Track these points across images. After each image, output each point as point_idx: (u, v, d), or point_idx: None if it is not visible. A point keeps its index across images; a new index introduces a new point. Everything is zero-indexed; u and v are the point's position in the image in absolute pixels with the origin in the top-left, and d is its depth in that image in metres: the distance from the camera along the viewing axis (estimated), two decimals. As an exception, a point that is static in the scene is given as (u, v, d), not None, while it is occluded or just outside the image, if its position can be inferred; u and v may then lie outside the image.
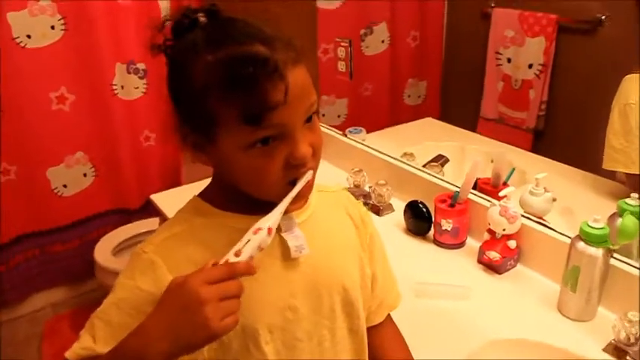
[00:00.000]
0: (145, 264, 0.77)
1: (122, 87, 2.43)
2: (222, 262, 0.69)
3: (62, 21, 2.27)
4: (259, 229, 0.71)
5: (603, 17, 1.84)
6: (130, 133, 2.53)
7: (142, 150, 2.58)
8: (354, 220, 0.93)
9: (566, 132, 2.06)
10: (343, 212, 0.92)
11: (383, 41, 2.47)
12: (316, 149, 0.75)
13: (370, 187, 1.63)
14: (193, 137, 0.75)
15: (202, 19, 0.73)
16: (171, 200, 1.72)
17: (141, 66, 2.45)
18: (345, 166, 1.71)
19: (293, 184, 0.74)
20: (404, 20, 2.49)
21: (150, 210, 2.60)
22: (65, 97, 2.36)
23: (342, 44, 1.88)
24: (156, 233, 0.82)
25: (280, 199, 0.74)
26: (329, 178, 1.77)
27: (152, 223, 2.44)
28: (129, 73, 2.42)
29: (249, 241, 0.70)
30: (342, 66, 1.87)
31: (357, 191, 1.63)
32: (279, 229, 0.78)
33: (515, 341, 1.15)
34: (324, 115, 2.22)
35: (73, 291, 2.75)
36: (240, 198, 0.78)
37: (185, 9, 0.74)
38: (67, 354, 0.77)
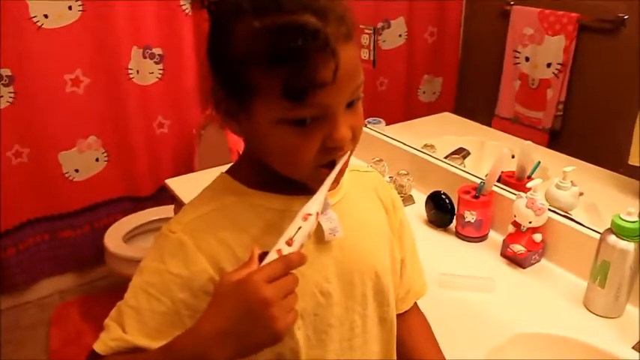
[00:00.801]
0: (173, 245, 0.73)
1: (137, 71, 2.41)
2: (273, 251, 0.65)
3: (80, 1, 2.25)
4: (309, 214, 0.68)
5: (626, 17, 1.83)
6: (144, 119, 2.51)
7: (155, 137, 2.57)
8: (385, 204, 0.91)
9: (583, 133, 2.04)
10: (374, 195, 0.90)
11: (400, 35, 2.46)
12: (356, 133, 0.72)
13: (391, 178, 1.61)
14: (227, 103, 0.71)
15: None
16: (186, 185, 1.70)
17: (157, 51, 2.43)
18: (365, 157, 1.69)
19: (328, 166, 0.71)
20: (422, 15, 2.48)
21: (162, 197, 2.59)
22: (80, 80, 2.34)
23: (366, 31, 1.85)
24: (182, 213, 0.78)
25: (310, 181, 0.72)
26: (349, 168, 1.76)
27: (164, 210, 2.43)
28: (145, 57, 2.41)
29: (299, 228, 0.66)
30: (365, 54, 1.85)
31: (377, 182, 1.62)
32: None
33: (540, 335, 1.14)
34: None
35: (82, 278, 2.72)
36: (272, 176, 0.74)
37: None
38: (96, 346, 0.72)
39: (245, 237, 0.72)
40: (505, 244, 1.35)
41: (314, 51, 0.63)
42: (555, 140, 2.12)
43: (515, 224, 1.33)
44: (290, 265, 0.64)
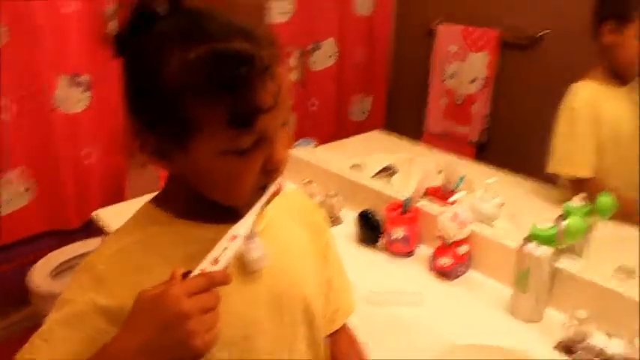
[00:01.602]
0: (95, 277, 0.70)
1: (64, 100, 2.35)
2: (197, 270, 0.63)
3: (6, 27, 2.19)
4: (235, 236, 0.67)
5: (543, 33, 1.92)
6: (71, 149, 2.43)
7: (83, 166, 2.49)
8: (311, 225, 0.91)
9: (508, 144, 2.12)
10: (298, 216, 0.90)
11: (330, 56, 2.50)
12: (288, 154, 0.72)
13: (320, 199, 1.62)
14: (157, 143, 0.68)
15: (163, 8, 0.67)
16: (116, 216, 1.66)
17: (85, 78, 2.37)
18: (296, 178, 1.70)
19: (263, 189, 0.71)
20: (351, 36, 2.52)
21: (91, 230, 2.50)
22: (5, 109, 2.27)
23: (294, 54, 1.88)
24: (104, 245, 0.75)
25: (250, 206, 0.71)
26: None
27: (94, 243, 2.35)
28: (72, 85, 2.35)
29: (225, 248, 0.65)
30: (293, 76, 1.87)
31: (307, 202, 1.62)
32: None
33: (469, 346, 1.16)
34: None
35: (2, 321, 2.55)
36: (202, 205, 0.73)
37: None
38: None
39: (171, 268, 0.69)
40: (432, 258, 1.37)
41: (255, 76, 0.63)
42: (482, 153, 2.19)
43: (441, 238, 1.36)
44: (212, 281, 0.62)
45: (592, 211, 1.25)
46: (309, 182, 1.65)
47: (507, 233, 1.35)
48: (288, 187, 0.76)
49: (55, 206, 2.50)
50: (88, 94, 2.42)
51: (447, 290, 1.33)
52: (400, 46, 2.50)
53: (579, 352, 1.09)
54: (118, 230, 0.77)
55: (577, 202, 1.25)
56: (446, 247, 1.35)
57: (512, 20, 2.03)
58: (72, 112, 2.40)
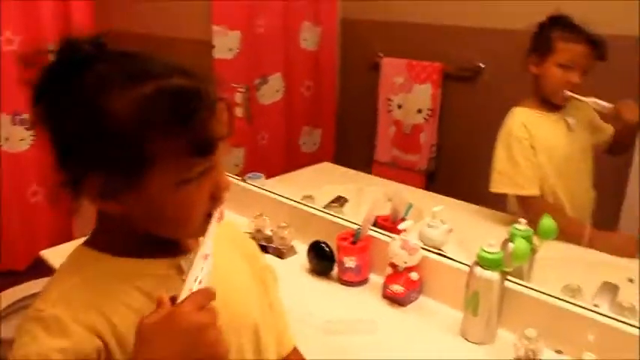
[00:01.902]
0: (47, 321, 0.68)
1: (7, 139, 2.30)
2: (186, 290, 0.65)
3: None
4: (207, 255, 0.69)
5: (483, 66, 1.99)
6: (17, 188, 2.38)
7: (29, 205, 2.43)
8: (246, 252, 0.93)
9: (456, 172, 2.16)
10: (233, 246, 0.91)
11: (278, 90, 2.51)
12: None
13: (272, 231, 1.62)
14: (105, 184, 0.67)
15: (89, 49, 0.68)
16: (63, 256, 1.62)
17: (27, 117, 2.33)
18: (246, 212, 1.69)
19: (209, 216, 0.73)
20: (298, 70, 2.55)
21: (38, 270, 2.43)
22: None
23: (240, 90, 1.89)
24: (46, 292, 0.73)
25: (198, 234, 0.73)
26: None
27: (42, 284, 2.28)
28: (14, 124, 2.30)
29: (202, 268, 0.68)
30: (239, 111, 1.88)
31: (259, 235, 1.62)
32: (181, 271, 0.76)
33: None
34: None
35: None
36: (144, 242, 0.74)
37: (70, 42, 0.68)
38: None
39: (117, 304, 0.71)
40: (385, 286, 1.38)
41: (208, 108, 0.66)
42: (432, 181, 2.23)
43: (393, 265, 1.37)
44: (209, 296, 0.65)
45: (535, 234, 1.29)
46: (260, 215, 1.65)
47: (457, 258, 1.37)
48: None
49: (2, 246, 2.43)
50: (31, 132, 2.38)
51: (400, 317, 1.34)
52: (347, 79, 2.54)
53: (529, 371, 1.11)
54: (55, 277, 0.75)
55: (521, 225, 1.29)
56: (397, 274, 1.36)
57: (453, 54, 2.10)
58: (16, 151, 2.35)
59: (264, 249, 1.58)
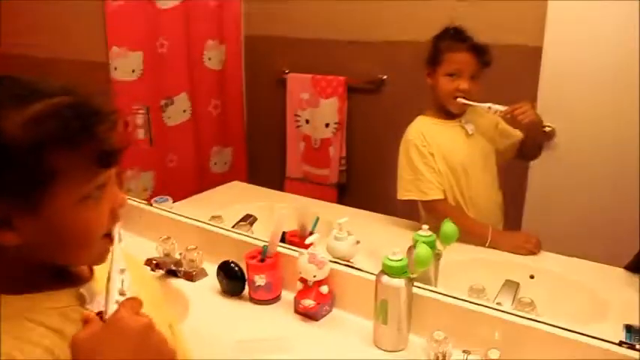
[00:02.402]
0: None
1: None
2: (111, 303, 0.67)
3: None
4: (123, 269, 0.71)
5: (384, 77, 2.04)
6: None
7: None
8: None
9: (366, 183, 2.20)
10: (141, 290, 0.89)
11: (185, 111, 2.47)
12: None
13: (181, 254, 1.58)
14: (1, 210, 0.64)
15: None
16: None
17: None
18: (153, 236, 1.64)
19: (108, 236, 0.73)
20: (204, 90, 2.52)
21: None
22: None
23: (140, 111, 1.85)
24: None
25: (96, 255, 0.74)
26: (137, 249, 1.69)
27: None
28: None
29: (123, 280, 0.70)
30: (141, 134, 1.83)
31: (167, 260, 1.57)
32: (83, 301, 0.74)
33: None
34: (130, 190, 2.14)
35: None
36: (39, 275, 0.72)
37: None
38: None
39: (20, 343, 0.66)
40: (296, 301, 1.38)
41: (105, 119, 0.67)
42: (343, 194, 2.25)
43: (302, 280, 1.37)
44: (140, 303, 0.68)
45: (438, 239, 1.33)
46: (168, 239, 1.61)
47: (369, 269, 1.38)
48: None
49: None
50: None
51: (313, 331, 1.34)
52: (254, 96, 2.54)
53: (440, 373, 1.13)
54: None
55: (424, 231, 1.32)
56: (308, 289, 1.35)
57: (356, 67, 2.15)
58: None
59: (174, 273, 1.54)
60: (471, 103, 1.60)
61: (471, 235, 1.54)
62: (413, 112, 1.72)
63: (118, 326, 0.64)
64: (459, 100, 1.60)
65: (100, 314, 0.67)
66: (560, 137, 1.63)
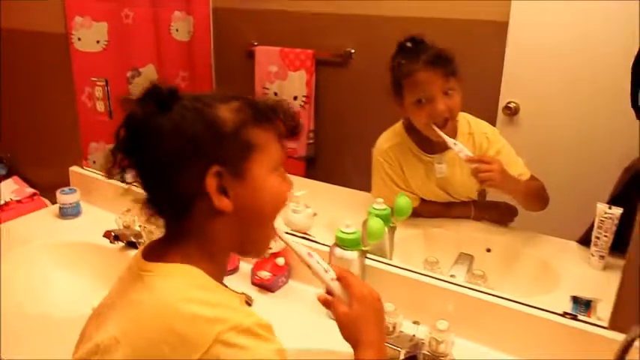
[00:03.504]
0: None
1: None
2: (328, 282, 0.95)
3: None
4: (308, 252, 0.97)
5: (352, 51, 2.03)
6: None
7: None
8: None
9: (334, 156, 2.20)
10: None
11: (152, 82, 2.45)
12: None
13: (140, 227, 1.58)
14: (221, 178, 0.78)
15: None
16: None
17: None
18: (114, 209, 1.64)
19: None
20: (171, 61, 2.49)
21: None
22: None
23: (99, 84, 1.82)
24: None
25: (266, 246, 0.94)
26: (98, 222, 1.69)
27: None
28: None
29: (317, 262, 0.96)
30: (100, 106, 1.81)
31: (127, 232, 1.57)
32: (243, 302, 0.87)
33: (298, 352, 1.18)
34: (95, 162, 2.13)
35: None
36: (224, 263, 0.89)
37: (152, 86, 0.81)
38: None
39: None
40: (253, 273, 1.39)
41: (284, 105, 0.87)
42: (312, 167, 2.26)
43: (258, 252, 1.37)
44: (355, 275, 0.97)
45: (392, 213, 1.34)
46: (128, 211, 1.60)
47: (326, 242, 1.39)
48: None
49: None
50: None
51: (270, 302, 1.35)
52: (222, 69, 2.52)
53: (391, 342, 1.15)
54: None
55: (379, 204, 1.33)
56: (264, 260, 1.37)
57: (324, 40, 2.13)
58: None
59: (134, 245, 1.54)
60: (440, 134, 1.40)
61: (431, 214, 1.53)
62: (380, 87, 1.70)
63: (368, 301, 0.91)
64: (433, 127, 1.40)
65: (328, 293, 0.94)
66: (523, 113, 1.64)
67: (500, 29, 1.62)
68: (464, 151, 1.38)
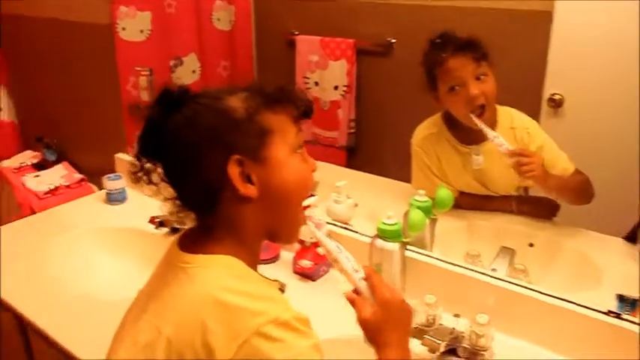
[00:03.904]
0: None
1: None
2: (357, 281, 0.95)
3: None
4: (337, 245, 0.97)
5: (394, 41, 2.02)
6: None
7: None
8: None
9: (375, 146, 2.20)
10: None
11: (194, 71, 2.48)
12: None
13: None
14: (243, 165, 0.80)
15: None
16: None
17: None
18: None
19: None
20: (213, 50, 2.51)
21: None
22: None
23: (143, 73, 1.86)
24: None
25: (297, 233, 0.95)
26: (144, 208, 1.72)
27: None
28: None
29: (347, 258, 0.97)
30: (144, 95, 1.85)
31: (172, 218, 1.60)
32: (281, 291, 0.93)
33: (338, 340, 1.21)
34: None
35: None
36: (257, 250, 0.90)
37: (164, 90, 0.82)
38: None
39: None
40: (294, 262, 1.41)
41: (294, 88, 0.87)
42: (352, 156, 2.26)
43: (300, 241, 1.39)
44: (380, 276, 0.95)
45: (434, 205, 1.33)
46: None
47: (368, 232, 1.39)
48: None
49: None
50: None
51: (311, 291, 1.37)
52: (263, 58, 2.54)
53: (429, 334, 1.15)
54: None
55: (420, 196, 1.33)
56: (305, 249, 1.38)
57: (365, 30, 2.12)
58: None
59: (178, 231, 1.57)
60: (480, 124, 1.39)
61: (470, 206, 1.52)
62: (422, 78, 1.69)
63: (390, 306, 0.89)
64: (472, 117, 1.39)
65: (355, 292, 0.94)
66: (567, 105, 1.61)
67: (544, 18, 1.59)
68: (504, 144, 1.36)
